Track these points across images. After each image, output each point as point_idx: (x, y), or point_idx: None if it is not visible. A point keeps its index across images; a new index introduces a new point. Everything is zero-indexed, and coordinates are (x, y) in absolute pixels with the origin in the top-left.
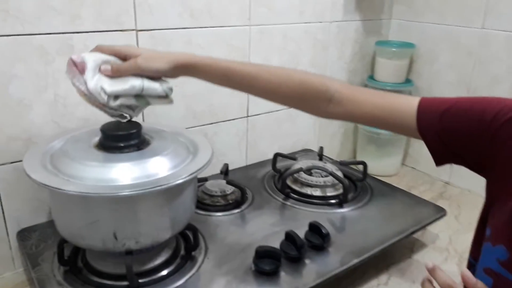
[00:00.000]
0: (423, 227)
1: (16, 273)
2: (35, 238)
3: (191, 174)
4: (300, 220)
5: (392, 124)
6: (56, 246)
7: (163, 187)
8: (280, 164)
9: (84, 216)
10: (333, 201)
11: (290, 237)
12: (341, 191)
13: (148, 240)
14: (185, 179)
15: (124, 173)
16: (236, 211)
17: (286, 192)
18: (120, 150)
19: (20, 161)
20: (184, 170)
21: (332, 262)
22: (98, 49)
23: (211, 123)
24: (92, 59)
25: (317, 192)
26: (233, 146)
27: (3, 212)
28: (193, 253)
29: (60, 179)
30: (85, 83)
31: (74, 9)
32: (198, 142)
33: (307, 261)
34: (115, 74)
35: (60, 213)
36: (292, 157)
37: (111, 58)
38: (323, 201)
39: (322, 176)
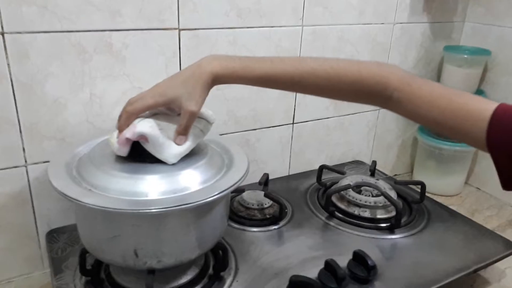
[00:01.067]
0: (488, 265)
1: (44, 273)
2: (63, 241)
3: (221, 192)
4: (343, 245)
5: (457, 132)
6: (79, 254)
7: (189, 205)
8: (327, 176)
9: (104, 229)
10: (383, 224)
11: (330, 267)
12: (393, 214)
13: (171, 260)
14: (214, 198)
15: (151, 186)
16: (273, 227)
17: (331, 210)
18: (149, 160)
19: None
20: (215, 186)
21: None
22: (131, 113)
23: (254, 129)
24: (149, 131)
25: (365, 214)
26: (276, 154)
27: (34, 212)
28: (221, 273)
29: (82, 189)
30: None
31: (114, 5)
32: (234, 153)
33: None
34: (185, 135)
35: (82, 223)
36: (340, 170)
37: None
38: (372, 224)
39: (372, 196)
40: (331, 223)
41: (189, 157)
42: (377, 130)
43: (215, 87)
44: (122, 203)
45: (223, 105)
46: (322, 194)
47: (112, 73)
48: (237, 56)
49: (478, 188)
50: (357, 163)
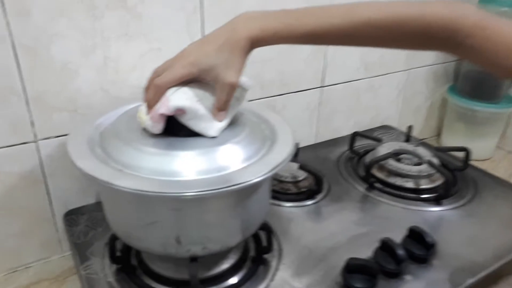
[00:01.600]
0: None
1: (64, 257)
2: (83, 223)
3: (271, 170)
4: (389, 219)
5: None
6: (108, 240)
7: (240, 186)
8: (357, 144)
9: (140, 215)
10: (427, 195)
11: (387, 246)
12: (437, 183)
13: (217, 245)
14: (265, 177)
15: (188, 164)
16: (309, 202)
17: (371, 181)
18: (183, 133)
19: (66, 135)
20: (262, 164)
21: (440, 281)
22: (161, 86)
23: (280, 95)
24: (188, 104)
25: (409, 184)
26: (303, 121)
27: (48, 192)
28: (265, 256)
29: (112, 169)
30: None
31: None
32: (274, 123)
33: (408, 277)
34: (226, 110)
35: (112, 208)
36: (375, 137)
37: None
38: (415, 195)
39: (413, 164)
40: (371, 195)
41: (227, 129)
42: (406, 92)
43: None
44: (162, 185)
45: (249, 68)
46: (356, 163)
47: (127, 32)
48: (273, 13)
49: (510, 152)
50: (386, 129)
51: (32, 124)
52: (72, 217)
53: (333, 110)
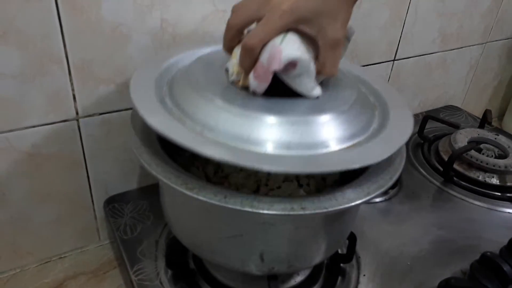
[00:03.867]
0: None
1: (101, 246)
2: (128, 214)
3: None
4: (476, 223)
5: None
6: (164, 239)
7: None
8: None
9: (222, 226)
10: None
11: (487, 261)
12: None
13: (304, 263)
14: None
15: (288, 134)
16: (380, 198)
17: (450, 175)
18: (273, 92)
19: (112, 112)
20: (374, 152)
21: None
22: (256, 46)
23: None
24: (300, 55)
25: (493, 180)
26: None
27: (88, 176)
28: (342, 265)
29: (196, 137)
30: None
31: None
32: (384, 93)
33: None
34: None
35: (181, 210)
36: (452, 122)
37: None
38: (501, 193)
39: (496, 156)
40: (449, 191)
41: (331, 91)
42: (478, 69)
43: None
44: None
45: None
46: (428, 151)
47: None
48: None
49: None
50: (451, 110)
51: (74, 98)
52: (114, 205)
53: (401, 86)
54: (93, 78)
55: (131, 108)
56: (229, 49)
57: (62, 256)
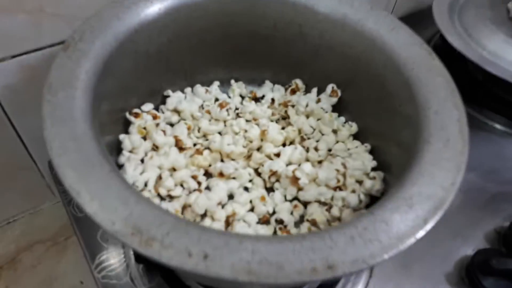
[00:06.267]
0: None
1: (59, 203)
2: None
3: None
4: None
5: None
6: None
7: None
8: None
9: None
10: None
11: None
12: None
13: None
14: None
15: None
16: None
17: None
18: None
19: (29, 52)
20: None
21: None
22: None
23: None
24: None
25: None
26: None
27: (18, 135)
28: None
29: None
30: None
31: None
32: None
33: None
34: None
35: None
36: None
37: None
38: None
39: None
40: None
41: None
42: None
43: None
44: None
45: None
46: None
47: None
48: None
49: None
50: None
51: None
52: None
53: None
54: None
55: (53, 45)
56: None
57: (11, 220)
